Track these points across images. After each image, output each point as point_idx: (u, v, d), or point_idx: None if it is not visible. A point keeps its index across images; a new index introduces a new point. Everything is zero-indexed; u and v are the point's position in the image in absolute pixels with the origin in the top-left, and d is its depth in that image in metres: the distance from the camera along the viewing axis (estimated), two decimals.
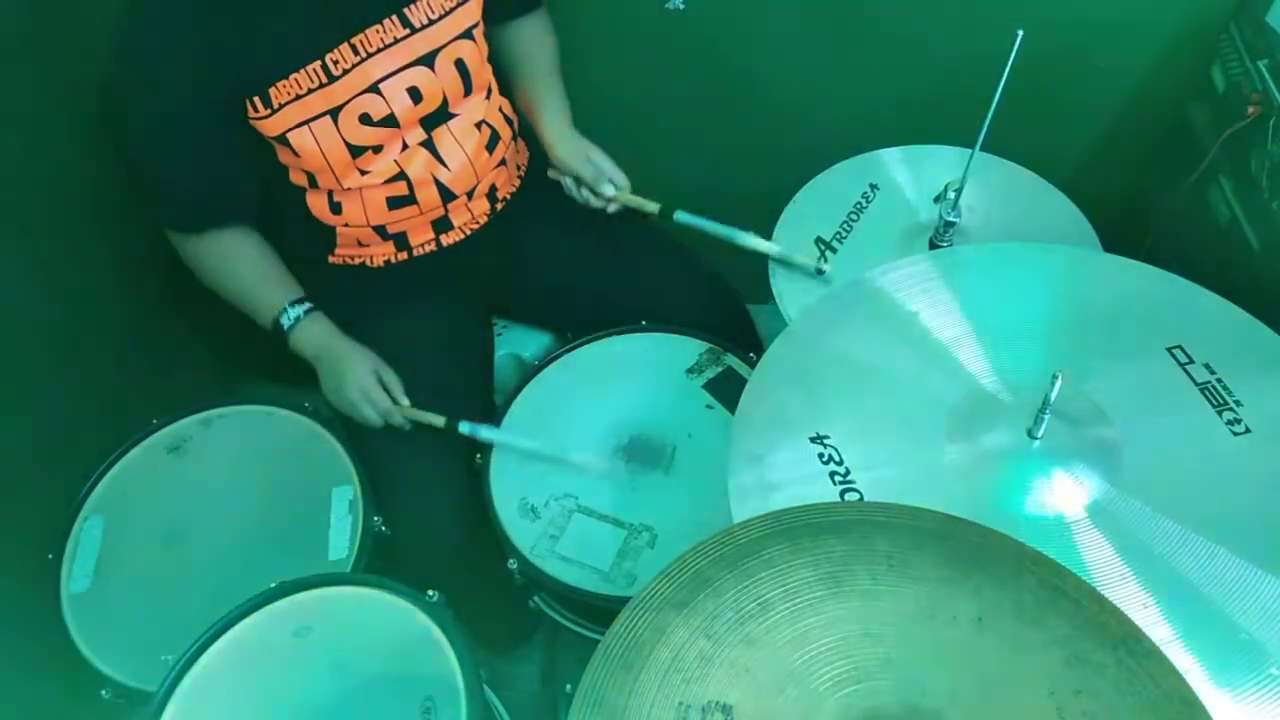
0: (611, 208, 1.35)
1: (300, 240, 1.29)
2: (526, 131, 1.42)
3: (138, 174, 1.25)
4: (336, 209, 1.24)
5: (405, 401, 1.25)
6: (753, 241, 1.28)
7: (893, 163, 1.38)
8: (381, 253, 1.32)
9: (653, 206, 1.34)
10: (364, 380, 1.24)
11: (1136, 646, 0.68)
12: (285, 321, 1.25)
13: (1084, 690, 0.66)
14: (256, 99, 1.11)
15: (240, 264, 1.27)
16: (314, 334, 1.26)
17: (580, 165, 1.32)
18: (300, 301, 1.27)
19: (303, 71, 1.12)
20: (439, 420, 1.25)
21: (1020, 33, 1.00)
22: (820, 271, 1.25)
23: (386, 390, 1.25)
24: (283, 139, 1.14)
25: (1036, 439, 0.91)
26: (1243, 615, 0.79)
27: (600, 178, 1.32)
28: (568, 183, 1.36)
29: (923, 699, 0.67)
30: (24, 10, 1.20)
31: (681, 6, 1.52)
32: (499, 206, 1.37)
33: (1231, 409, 0.92)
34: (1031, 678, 0.67)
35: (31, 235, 1.27)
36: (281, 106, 1.12)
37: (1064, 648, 0.68)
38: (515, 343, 1.52)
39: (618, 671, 0.68)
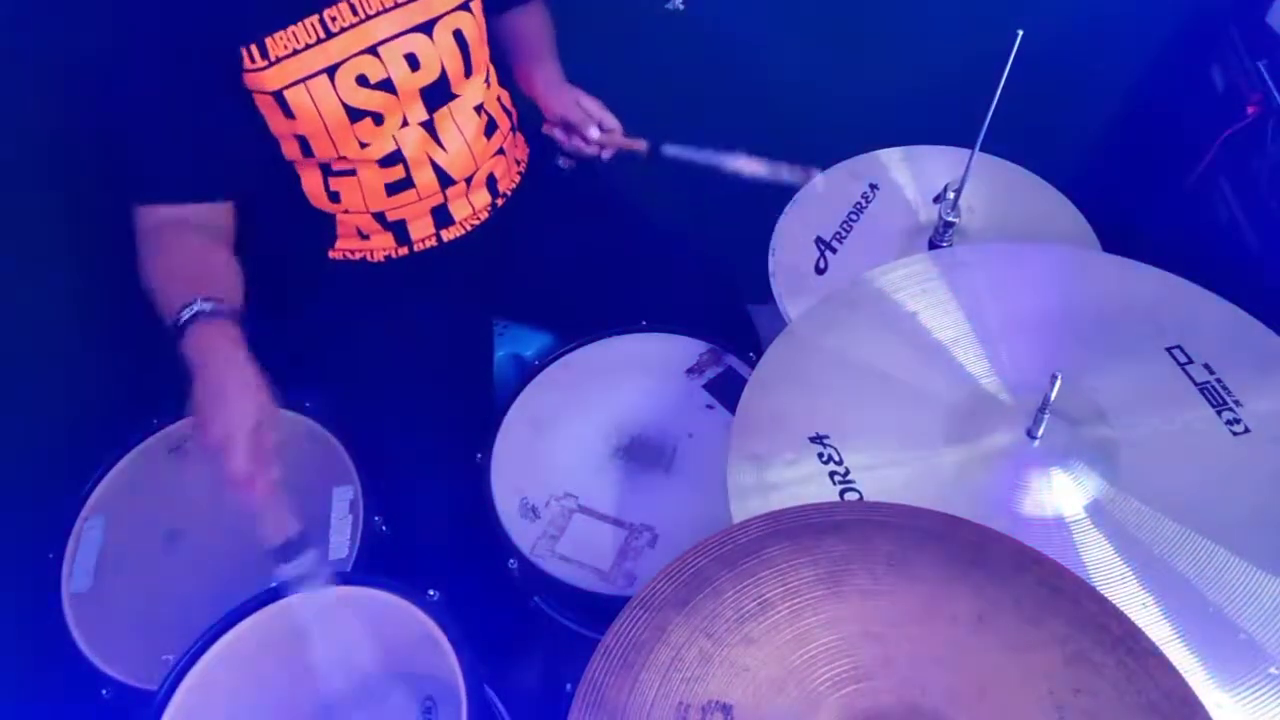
0: (605, 154, 1.36)
1: (300, 233, 1.29)
2: (525, 127, 1.43)
3: (116, 137, 1.15)
4: (334, 197, 1.24)
5: (274, 474, 1.01)
6: (740, 163, 1.28)
7: (893, 163, 1.38)
8: (382, 246, 1.32)
9: (640, 145, 1.35)
10: (242, 419, 0.99)
11: (1136, 646, 0.68)
12: (186, 313, 1.04)
13: (1084, 689, 0.66)
14: (254, 47, 1.11)
15: (187, 253, 1.13)
16: (215, 337, 1.04)
17: (569, 109, 1.35)
18: (218, 300, 1.06)
19: (301, 25, 1.12)
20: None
21: (1020, 33, 1.00)
22: (820, 270, 1.26)
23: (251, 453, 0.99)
24: (279, 96, 1.14)
25: (1036, 439, 0.91)
26: (1242, 615, 0.79)
27: (588, 121, 1.34)
28: (557, 133, 1.38)
29: (922, 698, 0.68)
30: (21, 7, 1.19)
31: (681, 7, 1.53)
32: (499, 202, 1.38)
33: (1231, 409, 0.92)
34: (1031, 677, 0.67)
35: (31, 235, 1.27)
36: (279, 60, 1.12)
37: (1064, 647, 0.68)
38: (515, 343, 1.52)
39: (618, 671, 0.68)
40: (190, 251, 1.13)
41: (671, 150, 1.32)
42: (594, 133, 1.34)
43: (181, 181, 1.16)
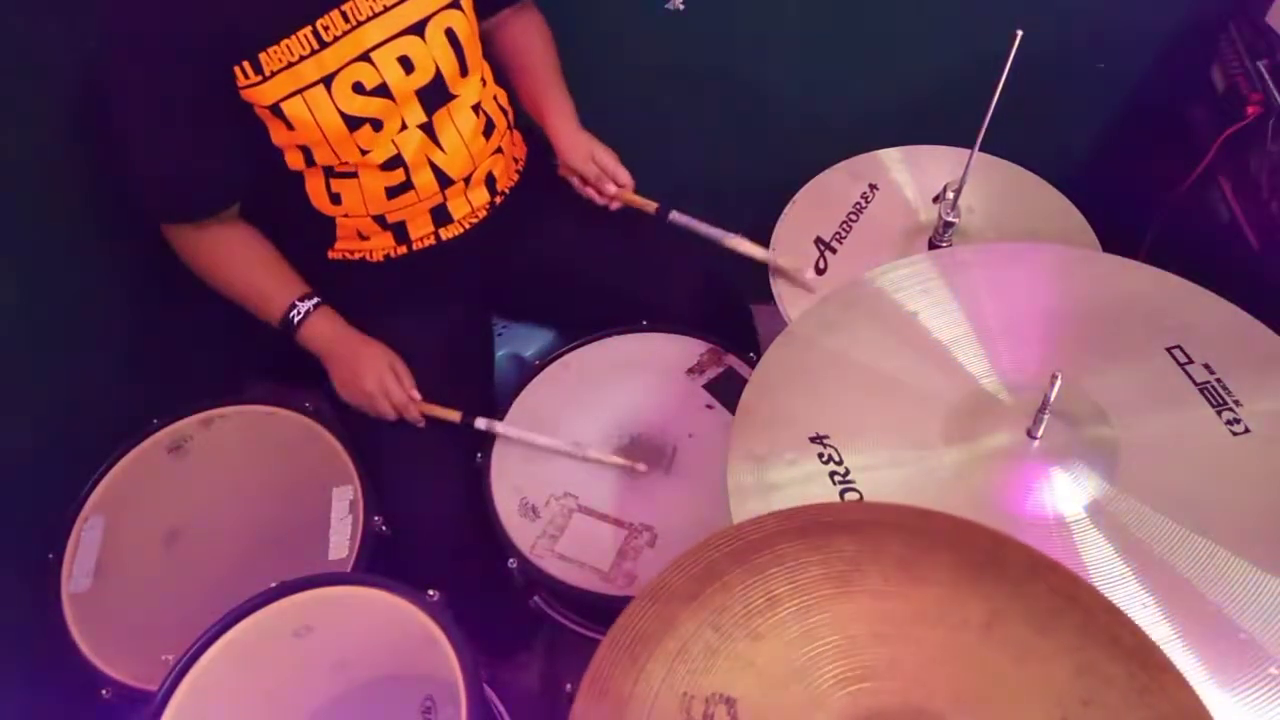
0: (613, 205, 1.36)
1: (300, 234, 1.29)
2: (524, 127, 1.43)
3: (126, 160, 1.21)
4: (335, 199, 1.24)
5: (418, 396, 1.27)
6: (742, 245, 1.30)
7: (893, 163, 1.38)
8: (381, 246, 1.32)
9: (650, 206, 1.35)
10: (381, 375, 1.25)
11: (1150, 659, 0.67)
12: (295, 316, 1.25)
13: (1092, 701, 0.65)
14: (246, 64, 1.10)
15: (243, 260, 1.27)
16: (324, 328, 1.27)
17: (584, 165, 1.34)
18: (308, 296, 1.27)
19: (294, 37, 1.11)
20: (454, 416, 1.27)
21: (1020, 33, 1.00)
22: (820, 270, 1.26)
23: (401, 384, 1.27)
24: (276, 109, 1.13)
25: (1036, 439, 0.91)
26: (1243, 615, 0.78)
27: (603, 177, 1.33)
28: (575, 180, 1.37)
29: (927, 701, 0.67)
30: (18, 6, 1.19)
31: (681, 7, 1.52)
32: (498, 200, 1.37)
33: (1231, 409, 0.92)
34: (1038, 686, 0.67)
35: (31, 235, 1.27)
36: (274, 74, 1.11)
37: (1074, 657, 0.68)
38: (515, 343, 1.52)
39: (624, 660, 0.68)
40: (253, 254, 1.28)
41: (678, 219, 1.34)
42: (610, 188, 1.34)
43: (199, 198, 1.22)
